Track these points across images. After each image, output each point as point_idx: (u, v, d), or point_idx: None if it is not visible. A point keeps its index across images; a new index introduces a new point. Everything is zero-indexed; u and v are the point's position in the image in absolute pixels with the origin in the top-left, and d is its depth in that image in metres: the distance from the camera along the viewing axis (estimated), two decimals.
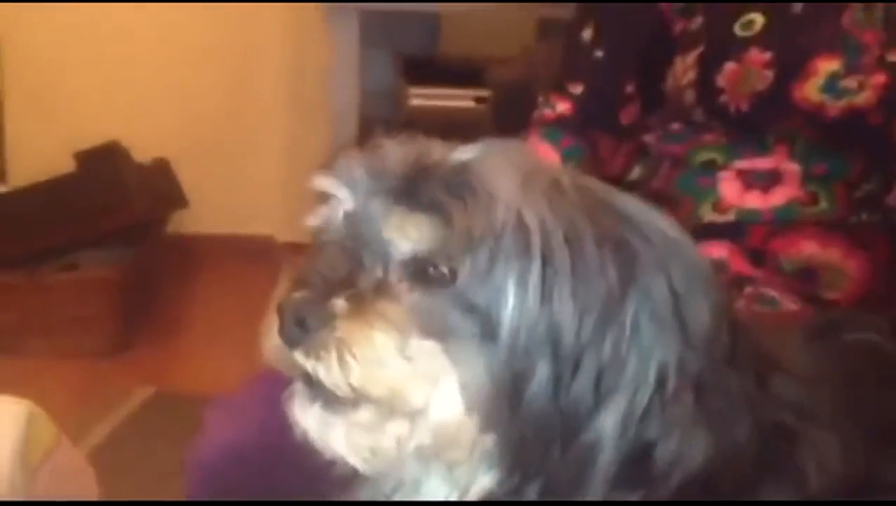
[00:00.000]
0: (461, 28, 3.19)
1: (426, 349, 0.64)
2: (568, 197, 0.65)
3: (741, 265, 1.16)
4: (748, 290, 1.15)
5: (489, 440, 0.65)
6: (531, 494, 0.65)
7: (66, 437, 1.36)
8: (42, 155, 3.00)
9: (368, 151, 0.70)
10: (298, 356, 0.66)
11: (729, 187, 1.17)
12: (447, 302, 0.64)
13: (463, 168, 0.66)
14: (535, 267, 0.62)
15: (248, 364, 1.08)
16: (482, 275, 0.63)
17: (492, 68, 2.70)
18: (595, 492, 0.64)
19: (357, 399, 0.66)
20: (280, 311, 0.67)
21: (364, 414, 0.66)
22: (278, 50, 3.36)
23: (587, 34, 1.29)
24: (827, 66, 1.12)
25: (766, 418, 0.67)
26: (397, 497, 0.71)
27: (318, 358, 0.65)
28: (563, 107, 1.29)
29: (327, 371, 0.65)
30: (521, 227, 0.63)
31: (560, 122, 1.29)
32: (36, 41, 3.24)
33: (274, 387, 1.06)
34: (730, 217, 1.17)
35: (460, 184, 0.65)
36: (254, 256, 3.26)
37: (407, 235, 0.66)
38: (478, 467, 0.67)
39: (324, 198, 0.71)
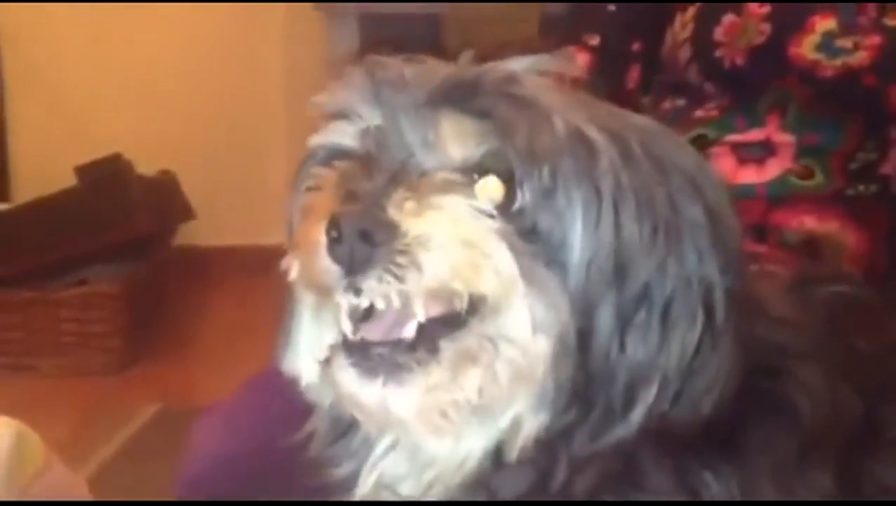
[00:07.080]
0: (463, 30, 3.16)
1: (502, 251, 0.58)
2: (609, 113, 0.61)
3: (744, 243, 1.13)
4: (753, 267, 1.11)
5: (549, 380, 0.59)
6: (579, 436, 0.60)
7: (74, 454, 1.35)
8: (47, 172, 3.00)
9: (373, 67, 0.64)
10: (369, 281, 0.57)
11: (723, 164, 1.16)
12: (505, 220, 0.59)
13: (512, 78, 0.61)
14: (607, 187, 0.58)
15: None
16: (545, 195, 0.58)
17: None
18: (633, 427, 0.60)
19: (428, 356, 0.59)
20: (336, 229, 0.57)
21: (436, 373, 0.59)
22: (279, 58, 3.34)
23: None
24: (823, 24, 1.13)
25: (750, 358, 0.63)
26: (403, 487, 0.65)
27: (397, 267, 0.57)
28: (581, 59, 1.28)
29: (402, 280, 0.57)
30: (585, 143, 0.59)
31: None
32: (38, 57, 3.25)
33: (262, 393, 1.04)
34: None
35: (514, 94, 0.59)
36: (263, 268, 3.22)
37: (462, 142, 0.61)
38: (528, 409, 0.61)
39: (336, 116, 0.65)
